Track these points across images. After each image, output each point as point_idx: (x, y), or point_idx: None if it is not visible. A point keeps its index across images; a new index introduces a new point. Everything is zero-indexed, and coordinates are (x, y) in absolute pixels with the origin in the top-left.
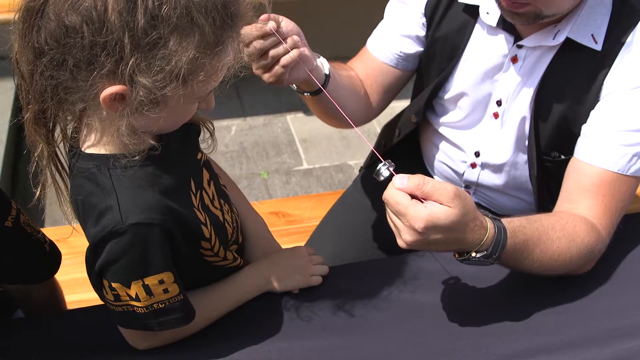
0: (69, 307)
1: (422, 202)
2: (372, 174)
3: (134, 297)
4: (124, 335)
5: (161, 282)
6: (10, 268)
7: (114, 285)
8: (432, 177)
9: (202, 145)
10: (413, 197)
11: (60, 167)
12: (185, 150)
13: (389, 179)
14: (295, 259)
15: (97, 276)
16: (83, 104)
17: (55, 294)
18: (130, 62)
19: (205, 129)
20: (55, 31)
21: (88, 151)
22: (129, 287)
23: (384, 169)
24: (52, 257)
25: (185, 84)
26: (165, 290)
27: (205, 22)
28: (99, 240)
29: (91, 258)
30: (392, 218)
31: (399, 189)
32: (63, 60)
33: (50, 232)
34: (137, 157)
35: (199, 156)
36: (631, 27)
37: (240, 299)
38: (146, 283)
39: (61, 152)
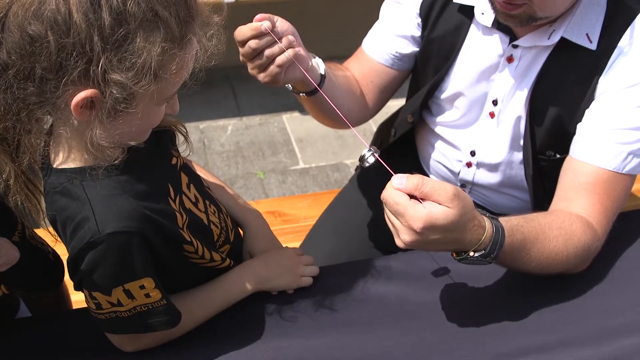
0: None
1: (420, 201)
2: (369, 174)
3: (115, 303)
4: (109, 338)
5: (142, 287)
6: (20, 280)
7: (94, 294)
8: (428, 176)
9: (181, 149)
10: (411, 196)
11: (29, 185)
12: (158, 157)
13: (373, 165)
14: (285, 259)
15: (77, 286)
16: (51, 117)
17: (61, 293)
18: (102, 61)
19: (178, 133)
20: (18, 43)
21: (58, 166)
22: (110, 295)
23: (368, 154)
24: (56, 267)
25: (156, 79)
26: (147, 295)
27: (170, 16)
28: (78, 252)
29: (72, 268)
30: (390, 218)
31: (398, 189)
32: (30, 70)
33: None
34: (108, 168)
35: (173, 161)
36: (626, 26)
37: (228, 300)
38: (127, 288)
39: (25, 171)
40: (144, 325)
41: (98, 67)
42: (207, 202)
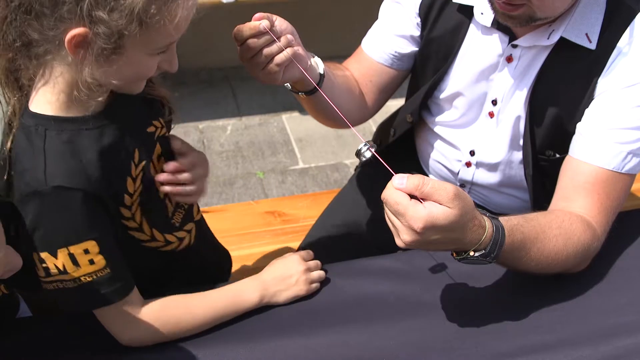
0: None
1: (421, 201)
2: (368, 174)
3: (61, 269)
4: (99, 317)
5: (86, 251)
6: (19, 279)
7: (42, 255)
8: (427, 175)
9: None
10: (412, 196)
11: None
12: (135, 121)
13: (370, 160)
14: (292, 274)
15: (28, 251)
16: (49, 55)
17: None
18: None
19: (167, 106)
20: None
21: (32, 109)
22: (56, 257)
23: (364, 149)
24: None
25: (142, 25)
26: (91, 262)
27: None
28: (22, 198)
29: (10, 219)
30: (390, 218)
31: (398, 188)
32: (31, 7)
33: None
34: (80, 120)
35: (150, 129)
36: (625, 26)
37: (232, 316)
38: (71, 252)
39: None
40: (89, 301)
41: (85, 3)
42: None
